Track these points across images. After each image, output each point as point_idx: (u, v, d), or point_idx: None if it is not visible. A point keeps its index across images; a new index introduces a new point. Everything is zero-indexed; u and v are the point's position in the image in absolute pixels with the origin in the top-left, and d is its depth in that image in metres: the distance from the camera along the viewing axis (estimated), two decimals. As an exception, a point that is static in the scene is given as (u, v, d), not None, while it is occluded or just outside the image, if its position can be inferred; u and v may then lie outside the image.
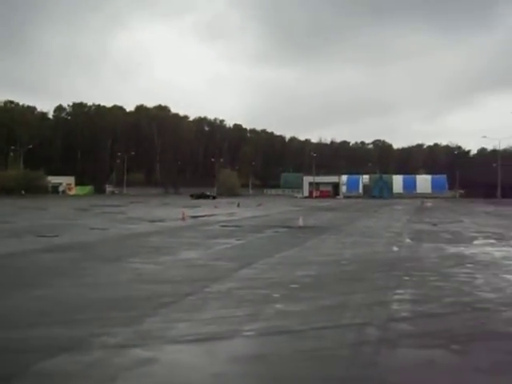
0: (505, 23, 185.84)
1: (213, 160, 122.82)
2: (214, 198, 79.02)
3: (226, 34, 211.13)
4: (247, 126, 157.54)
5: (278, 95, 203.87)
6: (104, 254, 14.22)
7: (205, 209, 42.96)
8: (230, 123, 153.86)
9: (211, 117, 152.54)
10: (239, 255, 14.10)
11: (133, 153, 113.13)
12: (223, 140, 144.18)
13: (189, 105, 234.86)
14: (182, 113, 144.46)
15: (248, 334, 6.58)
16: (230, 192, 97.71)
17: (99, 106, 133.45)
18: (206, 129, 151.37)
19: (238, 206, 48.37)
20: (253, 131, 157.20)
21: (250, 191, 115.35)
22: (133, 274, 10.97)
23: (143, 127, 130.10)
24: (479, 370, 5.41)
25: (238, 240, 18.02)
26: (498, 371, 5.40)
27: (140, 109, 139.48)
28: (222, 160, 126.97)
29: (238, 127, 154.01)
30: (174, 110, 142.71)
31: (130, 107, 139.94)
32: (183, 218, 28.23)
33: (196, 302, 8.30)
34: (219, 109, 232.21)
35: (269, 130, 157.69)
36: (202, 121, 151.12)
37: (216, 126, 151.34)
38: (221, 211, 39.40)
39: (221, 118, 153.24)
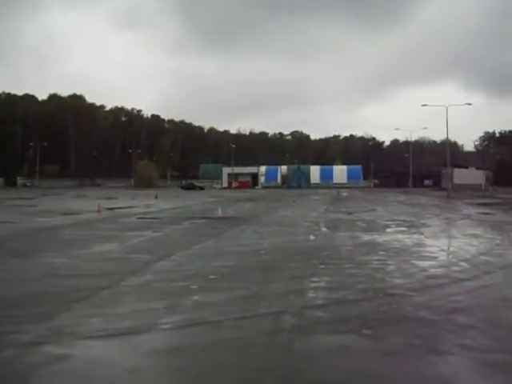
0: (416, 18, 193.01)
1: (130, 151, 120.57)
2: (201, 188, 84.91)
3: (144, 22, 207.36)
4: (165, 116, 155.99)
5: (196, 85, 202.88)
6: (14, 248, 13.67)
7: (122, 200, 42.15)
8: (147, 113, 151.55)
9: (128, 107, 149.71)
10: (156, 247, 13.95)
11: (46, 143, 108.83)
12: (140, 131, 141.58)
13: (105, 94, 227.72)
14: (98, 102, 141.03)
15: (165, 326, 6.52)
16: (147, 183, 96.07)
17: (9, 94, 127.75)
18: (123, 119, 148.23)
19: (156, 197, 47.79)
20: (171, 122, 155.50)
21: (168, 182, 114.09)
22: (45, 268, 10.62)
23: (57, 117, 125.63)
24: (389, 353, 5.63)
25: (155, 232, 17.81)
26: (407, 354, 5.62)
27: (53, 98, 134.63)
28: (139, 151, 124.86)
29: (155, 117, 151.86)
30: (89, 100, 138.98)
31: (43, 96, 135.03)
32: (98, 211, 27.57)
33: (112, 295, 8.15)
34: (137, 99, 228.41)
35: (187, 120, 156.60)
36: (118, 111, 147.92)
37: (133, 117, 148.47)
38: (138, 203, 38.74)
39: (138, 108, 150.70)
